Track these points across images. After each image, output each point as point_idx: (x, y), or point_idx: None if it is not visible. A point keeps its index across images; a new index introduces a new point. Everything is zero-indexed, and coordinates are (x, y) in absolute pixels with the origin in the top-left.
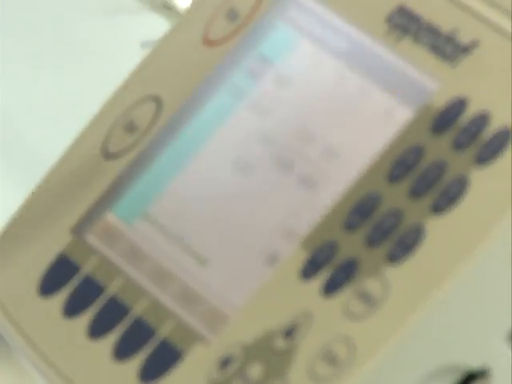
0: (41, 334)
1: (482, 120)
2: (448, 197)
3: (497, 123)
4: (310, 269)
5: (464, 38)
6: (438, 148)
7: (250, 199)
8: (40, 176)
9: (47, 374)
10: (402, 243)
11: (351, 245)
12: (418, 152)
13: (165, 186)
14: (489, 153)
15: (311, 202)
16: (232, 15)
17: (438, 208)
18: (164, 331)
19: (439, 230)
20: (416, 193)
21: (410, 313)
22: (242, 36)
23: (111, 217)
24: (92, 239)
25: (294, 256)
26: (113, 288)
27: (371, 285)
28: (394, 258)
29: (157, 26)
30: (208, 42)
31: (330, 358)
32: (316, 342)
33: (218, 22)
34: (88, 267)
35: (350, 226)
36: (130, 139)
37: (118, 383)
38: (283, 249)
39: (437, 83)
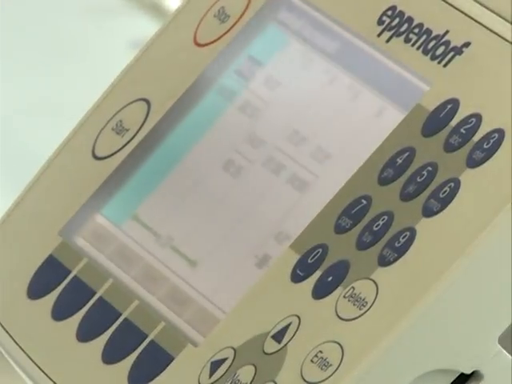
0: (29, 337)
1: (472, 121)
2: (439, 199)
3: (488, 125)
4: (301, 271)
5: (455, 39)
6: (429, 150)
7: (240, 201)
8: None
9: (35, 377)
10: (392, 246)
11: (342, 247)
12: (408, 154)
13: (154, 188)
14: (480, 154)
15: (302, 203)
16: (222, 16)
17: (429, 210)
18: (154, 334)
19: (430, 233)
20: (407, 195)
21: (400, 315)
22: (231, 37)
23: (101, 218)
24: (81, 241)
25: (285, 258)
26: (102, 290)
27: (362, 287)
28: (385, 260)
29: (146, 27)
30: (198, 43)
31: (321, 361)
32: (306, 345)
33: (207, 23)
34: (77, 269)
35: (340, 229)
36: (120, 141)
37: None
38: (273, 251)
39: (428, 84)
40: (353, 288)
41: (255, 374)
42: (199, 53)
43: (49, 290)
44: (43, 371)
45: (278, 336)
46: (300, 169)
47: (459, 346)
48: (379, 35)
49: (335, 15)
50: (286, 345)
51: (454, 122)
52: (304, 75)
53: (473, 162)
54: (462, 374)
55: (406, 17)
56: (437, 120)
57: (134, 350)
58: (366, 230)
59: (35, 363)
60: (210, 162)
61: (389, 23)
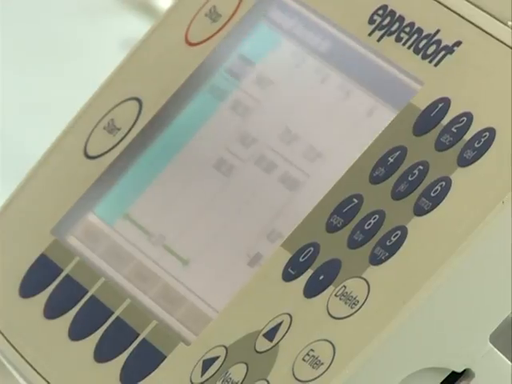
0: (22, 336)
1: (463, 120)
2: (430, 198)
3: (479, 123)
4: (292, 270)
5: (446, 38)
6: (421, 149)
7: (232, 200)
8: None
9: (27, 376)
10: (384, 244)
11: (333, 246)
12: (400, 153)
13: (146, 187)
14: (471, 153)
15: (293, 202)
16: (213, 15)
17: (421, 209)
18: (146, 332)
19: (421, 232)
20: (398, 194)
21: (392, 314)
22: (223, 36)
23: (93, 217)
24: (73, 240)
25: (276, 257)
26: (94, 289)
27: (353, 286)
28: (376, 259)
29: (138, 26)
30: (189, 42)
31: (312, 359)
32: (298, 343)
33: (199, 22)
34: (69, 268)
35: (332, 228)
36: (112, 140)
37: None
38: (265, 249)
39: (419, 83)
40: (344, 287)
41: (247, 372)
42: (191, 52)
43: (41, 289)
44: (35, 369)
45: (270, 334)
46: (292, 168)
47: (450, 344)
48: (370, 34)
49: (326, 14)
50: (277, 343)
51: (445, 121)
52: (295, 74)
53: (464, 161)
54: (454, 372)
55: (397, 16)
56: (428, 119)
57: (126, 348)
58: (358, 228)
59: (27, 361)
60: (201, 161)
61: (380, 22)
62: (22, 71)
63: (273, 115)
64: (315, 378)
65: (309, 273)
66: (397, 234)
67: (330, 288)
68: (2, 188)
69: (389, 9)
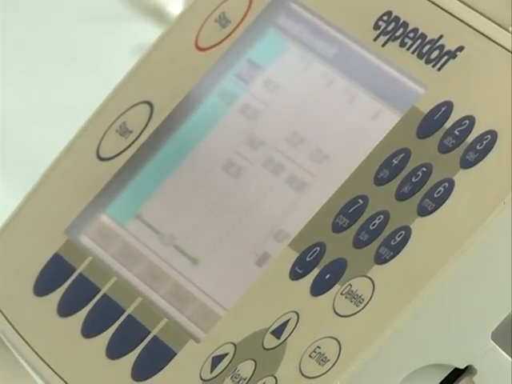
0: (36, 334)
1: (466, 123)
2: (433, 199)
3: (481, 126)
4: (299, 269)
5: (449, 43)
6: (424, 151)
7: (240, 201)
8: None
9: (41, 372)
10: (388, 244)
11: (339, 246)
12: (404, 155)
13: (157, 188)
14: (473, 155)
15: (300, 203)
16: (223, 21)
17: (424, 210)
18: (157, 330)
19: (425, 232)
20: (402, 195)
21: (396, 311)
22: (232, 41)
23: (105, 218)
24: (86, 240)
25: (284, 256)
26: (107, 288)
27: (358, 284)
28: (381, 258)
29: (150, 32)
30: (199, 47)
31: (319, 356)
32: (305, 340)
33: (209, 28)
34: (82, 267)
35: (338, 228)
36: (124, 142)
37: (112, 381)
38: (273, 249)
39: (423, 87)
40: (350, 285)
41: (255, 368)
42: (201, 57)
43: (55, 287)
44: (49, 366)
45: (278, 332)
46: (298, 169)
47: (453, 341)
48: (375, 39)
49: (333, 20)
50: (285, 340)
51: (448, 124)
52: (302, 78)
53: (466, 163)
54: (456, 369)
55: (401, 22)
56: (431, 122)
57: (138, 345)
58: (363, 228)
59: (41, 358)
60: (210, 163)
61: (385, 28)
62: (35, 77)
63: (280, 118)
64: (321, 375)
65: (315, 272)
66: (401, 234)
67: (336, 287)
68: (3, 189)
69: (393, 15)
